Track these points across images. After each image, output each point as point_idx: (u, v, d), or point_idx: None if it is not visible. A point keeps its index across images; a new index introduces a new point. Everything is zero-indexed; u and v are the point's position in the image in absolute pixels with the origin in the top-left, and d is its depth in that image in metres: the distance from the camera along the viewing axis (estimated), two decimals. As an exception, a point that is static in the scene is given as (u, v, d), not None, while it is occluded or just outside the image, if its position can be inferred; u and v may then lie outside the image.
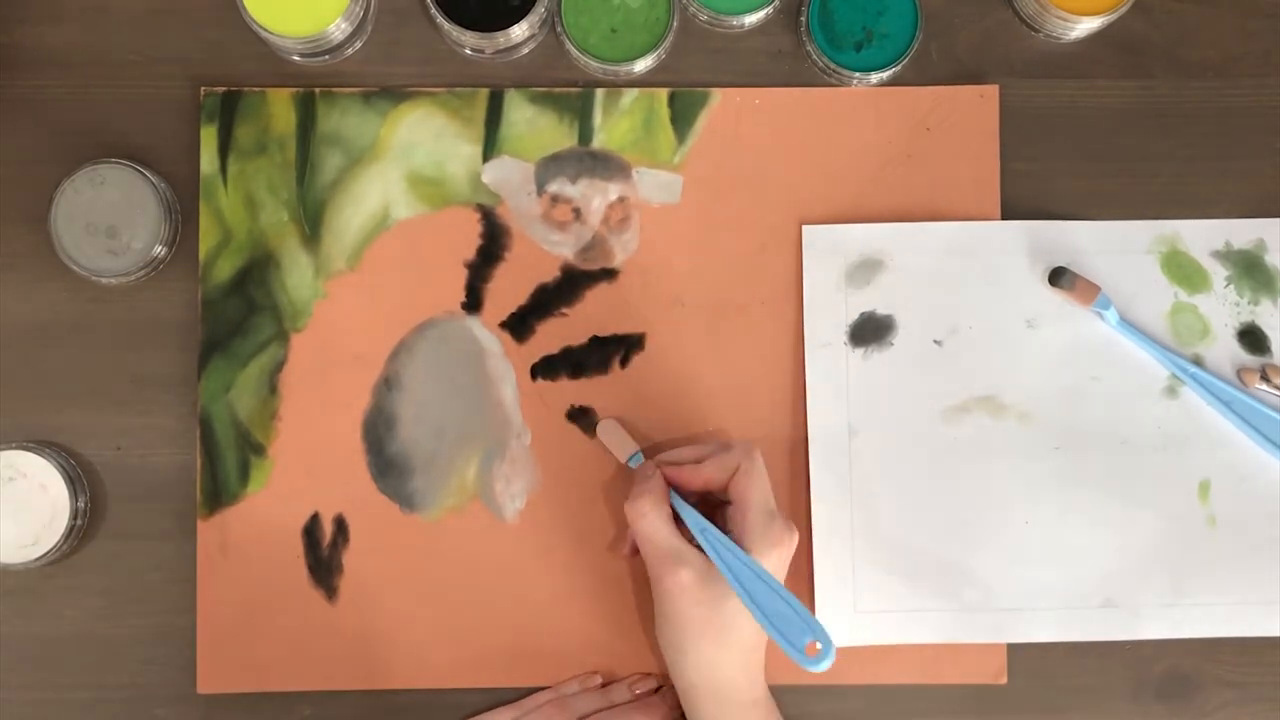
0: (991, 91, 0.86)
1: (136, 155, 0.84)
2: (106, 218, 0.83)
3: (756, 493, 0.76)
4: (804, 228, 0.85)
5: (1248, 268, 0.86)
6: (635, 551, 0.81)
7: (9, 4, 0.86)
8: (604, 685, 0.84)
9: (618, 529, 0.84)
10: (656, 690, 0.84)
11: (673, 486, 0.79)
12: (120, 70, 0.86)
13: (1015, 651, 0.85)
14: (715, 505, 0.80)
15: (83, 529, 0.84)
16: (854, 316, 0.85)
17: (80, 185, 0.82)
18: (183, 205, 0.85)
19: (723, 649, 0.77)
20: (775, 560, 0.76)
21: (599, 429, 0.83)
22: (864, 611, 0.84)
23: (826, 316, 0.85)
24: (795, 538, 0.77)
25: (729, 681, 0.77)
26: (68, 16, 0.86)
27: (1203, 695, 0.85)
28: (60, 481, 0.82)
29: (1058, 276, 0.83)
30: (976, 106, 0.85)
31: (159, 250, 0.83)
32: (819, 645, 0.72)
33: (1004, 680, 0.84)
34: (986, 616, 0.84)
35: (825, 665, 0.72)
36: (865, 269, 0.85)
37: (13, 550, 0.82)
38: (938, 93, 0.86)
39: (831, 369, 0.85)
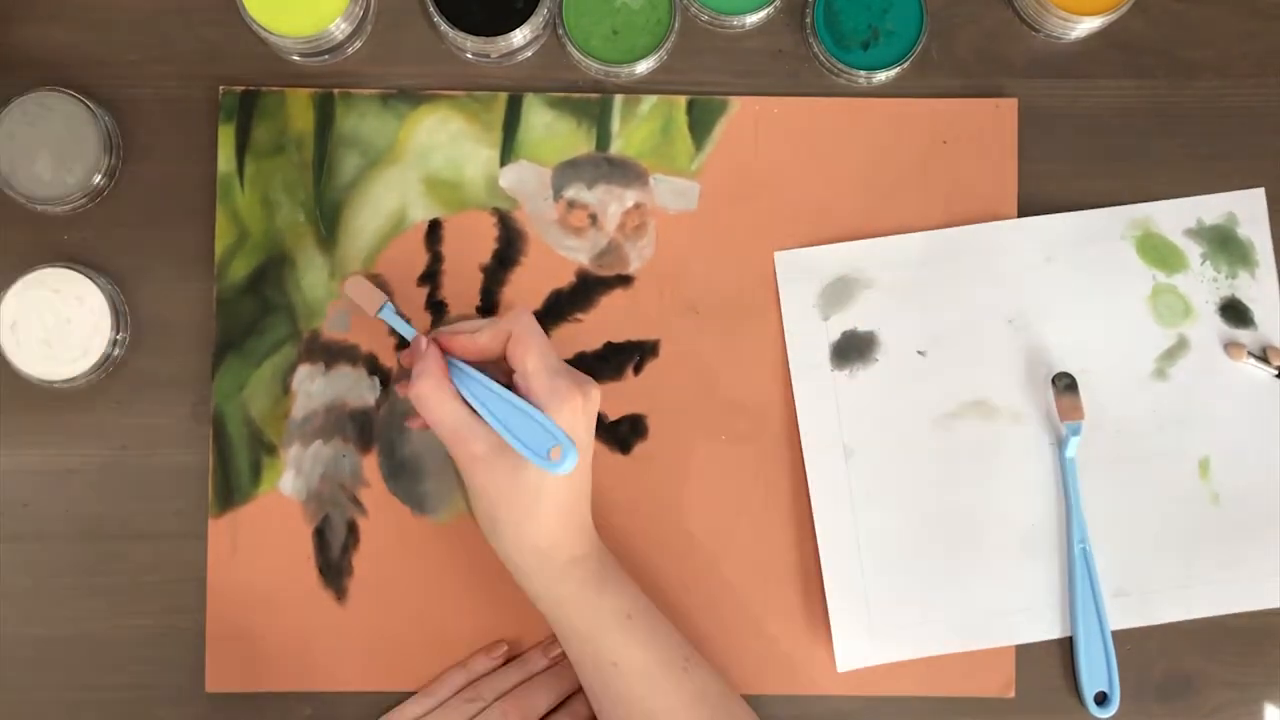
0: (1009, 104, 0.86)
1: (138, 153, 0.85)
2: (45, 145, 0.82)
3: (534, 355, 0.75)
4: (775, 254, 0.85)
5: (1222, 242, 0.86)
6: (424, 424, 0.78)
7: (9, 4, 0.86)
8: (512, 657, 0.84)
9: (630, 529, 0.85)
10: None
11: (455, 357, 0.77)
12: (119, 70, 0.86)
13: (1016, 651, 0.85)
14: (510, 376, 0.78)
15: (119, 359, 0.84)
16: (835, 337, 0.85)
17: (16, 114, 0.82)
18: (127, 145, 0.85)
19: (531, 516, 0.75)
20: (569, 415, 0.74)
21: (347, 286, 0.79)
22: (879, 632, 0.84)
23: (809, 340, 0.85)
24: (591, 391, 0.76)
25: (547, 544, 0.76)
26: (67, 16, 0.86)
27: (1203, 695, 0.85)
28: (102, 302, 0.82)
29: (1060, 381, 0.84)
30: (993, 118, 0.86)
31: (98, 180, 0.83)
32: (561, 449, 0.72)
33: (1011, 694, 0.84)
34: (998, 619, 0.84)
35: (568, 466, 0.72)
36: (840, 288, 0.85)
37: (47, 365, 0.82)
38: (954, 104, 0.86)
39: (820, 392, 0.85)
